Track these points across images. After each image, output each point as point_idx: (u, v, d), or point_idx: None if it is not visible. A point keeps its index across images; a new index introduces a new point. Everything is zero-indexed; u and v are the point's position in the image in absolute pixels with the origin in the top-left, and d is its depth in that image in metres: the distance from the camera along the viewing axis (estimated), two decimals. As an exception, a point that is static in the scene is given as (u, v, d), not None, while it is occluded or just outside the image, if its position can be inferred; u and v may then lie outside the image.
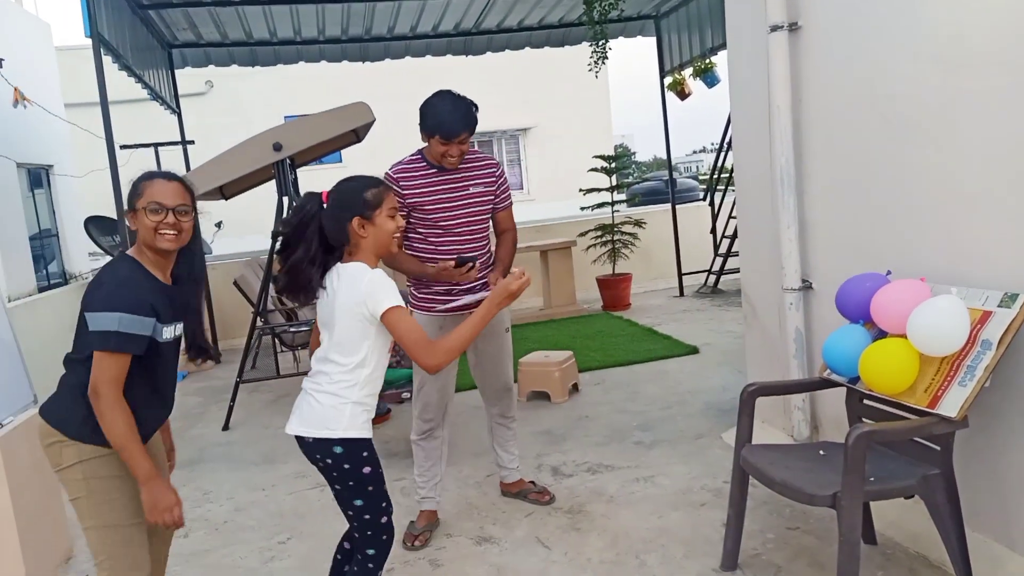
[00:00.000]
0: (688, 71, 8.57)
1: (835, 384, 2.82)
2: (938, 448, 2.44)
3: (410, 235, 3.24)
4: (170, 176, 2.24)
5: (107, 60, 4.94)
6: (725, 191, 9.05)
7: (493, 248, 3.41)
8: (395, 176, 3.17)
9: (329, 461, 2.23)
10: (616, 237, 8.57)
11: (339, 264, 2.29)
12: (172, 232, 2.16)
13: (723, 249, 8.75)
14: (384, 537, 2.30)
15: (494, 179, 3.30)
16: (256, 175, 5.44)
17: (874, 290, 2.61)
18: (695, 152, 44.80)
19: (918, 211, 2.79)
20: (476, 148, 3.39)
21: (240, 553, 3.34)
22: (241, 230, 12.31)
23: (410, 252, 3.24)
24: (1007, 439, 2.50)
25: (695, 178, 21.42)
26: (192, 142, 7.76)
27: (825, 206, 3.35)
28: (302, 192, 5.44)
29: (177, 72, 7.73)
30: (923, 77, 2.69)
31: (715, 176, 9.38)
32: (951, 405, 2.31)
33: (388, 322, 2.17)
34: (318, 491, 3.87)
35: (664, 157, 9.47)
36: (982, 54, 2.46)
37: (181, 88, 7.78)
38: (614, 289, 8.44)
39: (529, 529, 3.32)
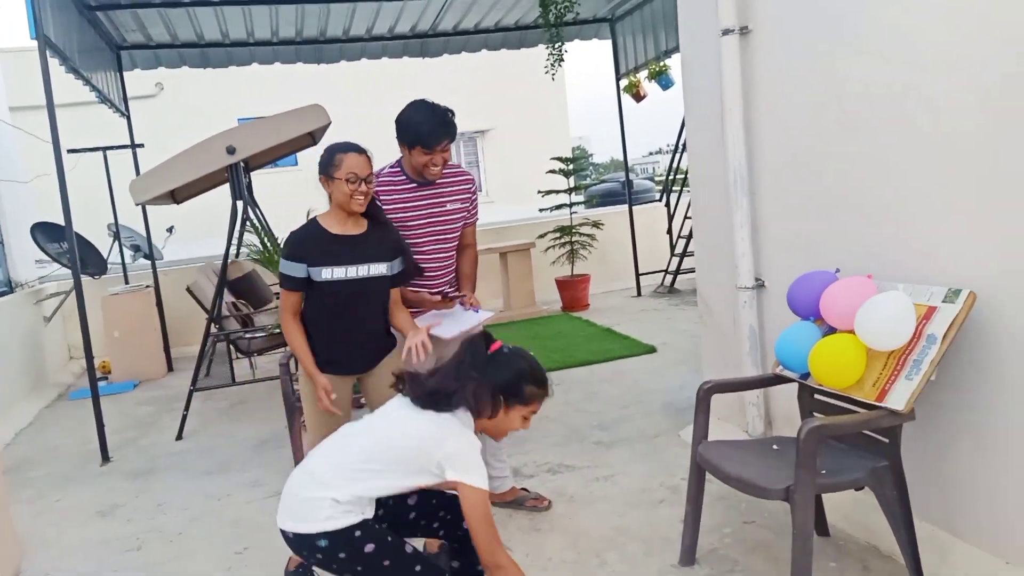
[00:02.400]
0: (643, 73, 8.67)
1: (787, 380, 2.88)
2: (886, 441, 2.51)
3: None
4: (360, 149, 2.69)
5: (53, 63, 4.80)
6: (681, 192, 9.16)
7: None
8: (376, 189, 2.97)
9: (320, 556, 2.05)
10: (574, 238, 8.62)
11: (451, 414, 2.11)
12: (363, 197, 2.68)
13: (679, 249, 8.86)
14: None
15: (470, 195, 3.24)
16: (209, 179, 5.34)
17: (823, 287, 2.67)
18: (651, 153, 45.36)
19: (866, 210, 2.86)
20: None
21: (197, 564, 3.27)
22: (194, 235, 12.07)
23: None
24: (951, 431, 2.58)
25: (651, 179, 21.67)
26: (142, 145, 7.57)
27: (777, 206, 3.42)
28: (256, 198, 5.37)
29: (126, 74, 7.55)
30: (870, 79, 2.76)
31: (671, 177, 9.50)
32: (898, 398, 2.37)
33: (464, 495, 2.02)
34: (275, 499, 3.80)
35: (621, 159, 9.57)
36: (927, 54, 2.53)
37: (130, 91, 7.59)
38: (573, 290, 8.49)
39: (490, 531, 3.32)
